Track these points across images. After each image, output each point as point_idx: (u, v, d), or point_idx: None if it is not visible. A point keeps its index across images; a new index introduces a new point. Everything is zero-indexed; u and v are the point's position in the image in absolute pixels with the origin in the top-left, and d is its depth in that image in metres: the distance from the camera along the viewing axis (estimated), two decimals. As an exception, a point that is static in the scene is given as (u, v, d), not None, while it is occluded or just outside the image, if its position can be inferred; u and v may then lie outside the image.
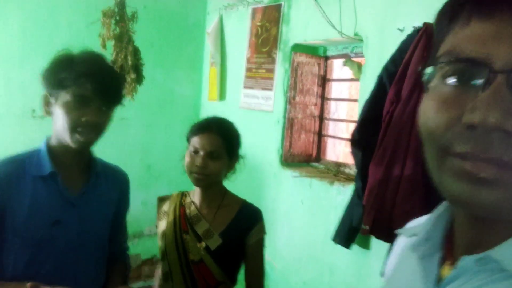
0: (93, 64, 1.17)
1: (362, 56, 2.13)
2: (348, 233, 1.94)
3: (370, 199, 1.69)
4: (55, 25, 2.84)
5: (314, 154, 2.58)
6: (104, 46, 2.02)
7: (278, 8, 2.55)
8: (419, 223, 0.55)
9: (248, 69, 2.80)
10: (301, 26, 2.41)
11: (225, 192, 1.56)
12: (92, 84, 1.13)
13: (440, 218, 0.53)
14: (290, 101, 2.50)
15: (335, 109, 2.71)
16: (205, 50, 3.39)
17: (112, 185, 1.34)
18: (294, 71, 2.48)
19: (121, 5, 2.08)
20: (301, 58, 2.49)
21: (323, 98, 2.57)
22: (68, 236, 1.17)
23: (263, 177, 2.67)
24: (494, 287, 0.43)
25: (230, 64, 3.07)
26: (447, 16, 0.45)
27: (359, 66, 2.22)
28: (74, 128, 1.14)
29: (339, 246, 1.98)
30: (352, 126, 2.18)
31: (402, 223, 0.64)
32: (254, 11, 2.76)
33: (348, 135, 2.25)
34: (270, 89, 2.59)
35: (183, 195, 1.57)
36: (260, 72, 2.69)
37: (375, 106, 1.73)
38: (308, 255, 2.30)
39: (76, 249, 1.19)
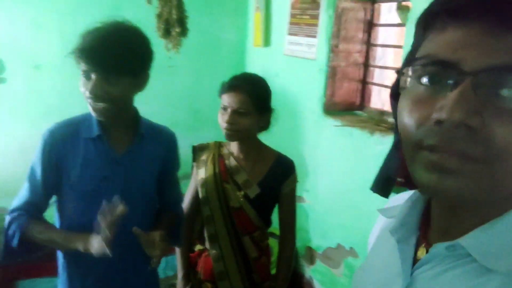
0: (98, 37, 1.20)
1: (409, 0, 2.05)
2: (386, 184, 1.98)
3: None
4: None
5: (357, 102, 2.58)
6: (149, 1, 2.08)
7: (323, -50, 2.45)
8: (398, 203, 0.61)
9: (292, 15, 2.76)
10: (347, -30, 2.33)
11: (260, 145, 1.67)
12: (92, 57, 1.18)
13: (415, 204, 0.59)
14: (333, 49, 2.47)
15: (381, 56, 2.65)
16: (250, -6, 3.35)
17: (158, 144, 1.44)
18: (338, 17, 2.43)
19: (165, -43, 2.10)
20: (346, 3, 2.42)
21: (369, 45, 2.52)
22: (115, 190, 1.31)
23: (304, 124, 2.72)
24: (461, 269, 0.49)
25: (275, 10, 3.04)
26: (423, 25, 0.50)
27: (407, 10, 2.13)
28: (87, 99, 1.25)
29: (376, 195, 2.04)
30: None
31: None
32: (299, -46, 2.67)
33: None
34: (314, 36, 2.56)
35: (220, 145, 1.69)
36: (304, 18, 2.66)
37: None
38: (346, 200, 2.39)
39: (123, 203, 1.33)
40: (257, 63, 3.30)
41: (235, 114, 1.51)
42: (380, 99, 2.72)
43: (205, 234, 1.67)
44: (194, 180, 1.71)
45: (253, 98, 1.51)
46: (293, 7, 2.76)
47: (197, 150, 1.72)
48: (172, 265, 2.62)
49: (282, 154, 1.68)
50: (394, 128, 1.94)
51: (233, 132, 1.53)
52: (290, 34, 2.79)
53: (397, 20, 2.29)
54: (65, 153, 1.30)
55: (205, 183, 1.63)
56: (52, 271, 1.47)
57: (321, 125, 2.57)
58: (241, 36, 3.44)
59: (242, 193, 1.61)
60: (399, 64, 2.39)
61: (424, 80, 0.47)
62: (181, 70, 3.31)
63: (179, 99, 3.37)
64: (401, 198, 0.64)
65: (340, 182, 2.45)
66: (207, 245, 1.68)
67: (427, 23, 0.49)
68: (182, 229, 1.64)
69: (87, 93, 1.22)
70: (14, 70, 2.83)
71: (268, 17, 3.08)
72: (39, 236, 1.31)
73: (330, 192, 2.55)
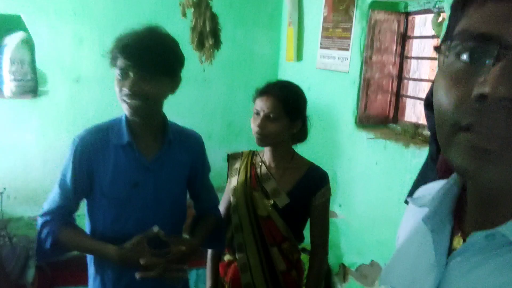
0: (135, 38, 1.25)
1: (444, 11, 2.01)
2: (421, 197, 1.93)
3: (443, 164, 1.66)
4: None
5: (391, 115, 2.53)
6: (184, 14, 2.14)
7: (356, -37, 2.46)
8: (428, 193, 0.58)
9: (325, 29, 2.77)
10: (380, -18, 2.32)
11: (293, 153, 1.65)
12: (129, 57, 1.23)
13: (449, 192, 0.56)
14: (366, 61, 2.45)
15: (416, 68, 2.60)
16: (283, 8, 3.38)
17: (186, 149, 1.46)
18: (372, 29, 2.41)
19: (199, -28, 2.16)
20: (379, 15, 2.40)
21: (403, 57, 2.48)
22: (145, 196, 1.33)
23: (338, 138, 2.69)
24: (502, 259, 0.46)
25: (307, 24, 3.05)
26: (461, 2, 0.47)
27: (441, 22, 2.09)
28: (121, 98, 1.28)
29: (412, 209, 1.98)
30: (431, 87, 2.09)
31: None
32: (332, -33, 2.68)
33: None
34: (347, 49, 2.55)
35: (253, 154, 1.69)
36: (336, 31, 2.65)
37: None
38: (382, 215, 2.32)
39: (154, 208, 1.36)
40: (289, 77, 3.31)
41: (266, 119, 1.52)
42: (414, 113, 2.66)
43: (235, 243, 1.66)
44: (227, 188, 1.71)
45: (283, 103, 1.51)
46: (325, 20, 2.76)
47: (230, 158, 1.73)
48: (203, 278, 2.62)
49: (315, 165, 1.65)
50: (430, 140, 1.90)
51: (263, 137, 1.53)
52: (322, 47, 2.78)
53: (432, 32, 2.25)
54: (96, 160, 1.33)
55: (235, 191, 1.63)
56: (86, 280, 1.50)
57: (354, 138, 2.53)
58: (274, 50, 3.46)
59: (271, 201, 1.59)
60: (433, 77, 2.33)
61: (464, 56, 0.44)
62: (215, 83, 3.37)
63: (213, 111, 3.42)
64: (432, 187, 0.62)
65: (374, 196, 2.40)
66: (236, 255, 1.67)
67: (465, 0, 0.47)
68: (223, 233, 1.63)
69: (125, 90, 1.25)
70: (56, 83, 2.95)
71: (300, 31, 3.10)
72: (73, 243, 1.34)
73: (364, 207, 2.49)
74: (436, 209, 0.55)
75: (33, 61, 2.87)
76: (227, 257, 1.73)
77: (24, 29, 2.83)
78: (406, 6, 2.41)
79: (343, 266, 2.71)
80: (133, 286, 1.38)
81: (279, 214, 1.58)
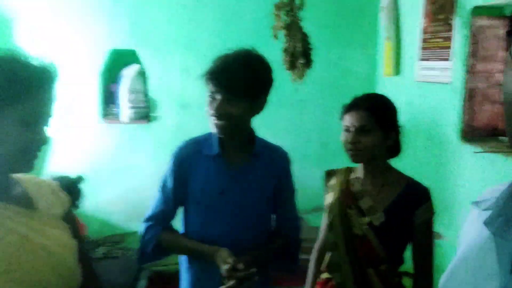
0: (223, 62, 1.35)
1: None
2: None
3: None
4: (241, 22, 3.20)
5: (500, 127, 2.31)
6: (275, 36, 2.23)
7: (454, -31, 2.34)
8: (492, 196, 0.53)
9: (424, 40, 2.65)
10: (482, -14, 2.17)
11: (389, 168, 1.57)
12: (216, 80, 1.33)
13: None
14: (470, 70, 2.28)
15: (530, 75, 2.36)
16: (379, 25, 3.32)
17: (272, 163, 1.51)
18: (474, 36, 2.25)
19: (291, -4, 2.25)
20: (483, 21, 2.24)
21: None
22: (231, 204, 1.41)
23: (441, 153, 2.52)
24: None
25: (405, 37, 2.95)
26: None
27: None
28: (211, 118, 1.37)
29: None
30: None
31: None
32: (429, -23, 2.59)
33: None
34: (447, 59, 2.41)
35: (350, 170, 1.64)
36: (436, 42, 2.53)
37: None
38: (494, 237, 2.11)
39: (238, 216, 1.43)
40: (388, 93, 3.19)
41: (358, 133, 1.48)
42: (532, 124, 2.40)
43: (331, 262, 1.62)
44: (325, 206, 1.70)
45: (374, 114, 1.47)
46: (424, 31, 2.65)
47: (327, 175, 1.72)
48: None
49: (415, 180, 1.55)
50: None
51: (358, 152, 1.49)
52: (422, 59, 2.67)
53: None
54: (190, 169, 1.45)
55: (330, 209, 1.61)
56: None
57: (459, 153, 2.36)
58: (370, 67, 3.40)
59: (366, 219, 1.53)
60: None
61: None
62: (310, 103, 3.40)
63: (309, 132, 3.44)
64: (498, 189, 0.57)
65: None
66: (332, 274, 1.63)
67: None
68: (297, 254, 1.63)
69: (211, 111, 1.35)
70: (166, 109, 3.25)
71: (398, 45, 3.01)
72: (174, 245, 1.46)
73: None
74: (500, 211, 0.51)
75: (146, 90, 3.21)
76: (325, 275, 1.68)
77: (139, 62, 3.19)
78: (514, 8, 2.22)
79: (451, 293, 2.49)
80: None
81: (375, 233, 1.51)
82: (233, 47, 1.43)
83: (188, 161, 1.47)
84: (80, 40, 3.12)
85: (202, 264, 1.45)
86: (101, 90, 3.28)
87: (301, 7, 2.25)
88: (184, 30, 3.19)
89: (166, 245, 1.48)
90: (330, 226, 1.60)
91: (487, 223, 0.51)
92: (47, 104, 0.99)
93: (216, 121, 1.38)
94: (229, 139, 1.45)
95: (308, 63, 2.25)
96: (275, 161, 1.54)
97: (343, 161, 3.31)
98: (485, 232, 0.51)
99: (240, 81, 1.33)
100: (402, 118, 2.83)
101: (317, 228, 3.42)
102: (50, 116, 1.01)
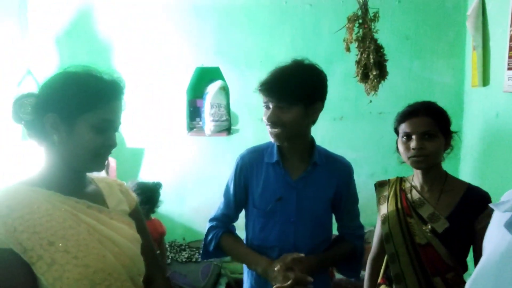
0: (276, 73, 1.41)
1: None
2: None
3: None
4: (318, 37, 3.26)
5: None
6: (348, 49, 2.24)
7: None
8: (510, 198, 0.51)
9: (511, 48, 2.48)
10: None
11: (446, 175, 1.54)
12: (267, 90, 1.39)
13: None
14: None
15: None
16: (466, 34, 3.16)
17: (332, 172, 1.54)
18: None
19: (364, 8, 2.25)
20: None
21: None
22: (288, 210, 1.46)
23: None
24: None
25: (493, 46, 2.78)
26: None
27: None
28: (267, 125, 1.43)
29: None
30: None
31: None
32: (518, -19, 2.43)
33: None
34: (539, 67, 2.23)
35: (401, 180, 1.63)
36: (527, 49, 2.35)
37: None
38: None
39: (295, 222, 1.47)
40: (475, 104, 3.04)
41: (422, 138, 1.47)
42: None
43: (391, 274, 1.60)
44: (378, 218, 1.69)
45: (436, 120, 1.47)
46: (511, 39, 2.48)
47: (378, 186, 1.71)
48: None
49: (474, 185, 1.51)
50: None
51: (423, 158, 1.48)
52: (510, 68, 2.49)
53: None
54: (251, 175, 1.53)
55: (386, 219, 1.60)
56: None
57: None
58: (457, 78, 3.24)
59: (429, 227, 1.50)
60: None
61: None
62: (391, 116, 3.29)
63: (389, 145, 3.33)
64: None
65: None
66: (394, 286, 1.61)
67: None
68: (359, 263, 1.63)
69: (265, 121, 1.43)
70: (245, 122, 3.40)
71: (486, 54, 2.84)
72: (231, 251, 1.55)
73: None
74: None
75: (228, 104, 3.39)
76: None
77: (222, 78, 3.38)
78: None
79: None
80: None
81: (440, 241, 1.48)
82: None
83: (249, 168, 1.55)
84: (170, 60, 3.41)
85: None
86: (188, 105, 3.53)
87: (375, 19, 2.24)
88: (263, 46, 3.32)
89: (225, 249, 1.58)
90: (388, 237, 1.57)
91: (507, 226, 0.50)
92: (116, 113, 1.12)
93: (270, 129, 1.44)
94: (285, 146, 1.50)
95: (382, 74, 2.22)
96: (336, 171, 1.56)
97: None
98: (506, 235, 0.51)
99: (288, 88, 1.39)
100: (490, 130, 2.67)
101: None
102: (119, 123, 1.15)
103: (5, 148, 2.98)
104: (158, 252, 2.74)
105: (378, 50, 2.24)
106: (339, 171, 1.57)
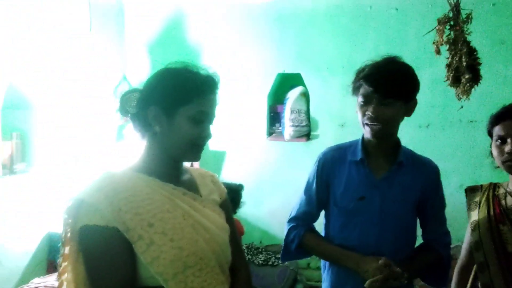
0: (376, 68, 1.40)
1: None
2: None
3: None
4: (403, 41, 3.17)
5: None
6: (438, 52, 2.15)
7: None
8: None
9: None
10: None
11: None
12: (373, 82, 1.36)
13: None
14: None
15: None
16: None
17: (417, 174, 1.48)
18: None
19: (456, 10, 2.16)
20: None
21: None
22: (370, 211, 1.41)
23: None
24: None
25: None
26: None
27: None
28: (363, 122, 1.41)
29: None
30: None
31: None
32: None
33: None
34: None
35: (495, 186, 1.53)
36: None
37: None
38: None
39: (378, 224, 1.42)
40: None
41: None
42: None
43: (479, 284, 1.51)
44: (468, 225, 1.60)
45: None
46: None
47: (468, 192, 1.62)
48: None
49: None
50: None
51: None
52: None
53: None
54: (334, 173, 1.52)
55: (477, 226, 1.51)
56: None
57: None
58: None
59: None
60: None
61: None
62: (483, 125, 3.09)
63: (480, 155, 3.14)
64: None
65: None
66: (483, 296, 1.51)
67: None
68: (446, 272, 1.54)
69: (368, 114, 1.40)
70: (325, 128, 3.39)
71: None
72: (315, 248, 1.54)
73: None
74: None
75: (308, 110, 3.41)
76: (470, 297, 1.58)
77: (303, 84, 3.41)
78: None
79: None
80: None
81: None
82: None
83: (332, 165, 1.54)
84: (252, 66, 3.50)
85: (343, 272, 1.49)
86: (268, 110, 3.59)
87: (468, 20, 2.13)
88: (345, 52, 3.30)
89: (308, 247, 1.56)
90: (478, 245, 1.48)
91: None
92: (212, 106, 1.19)
93: (371, 124, 1.41)
94: (371, 144, 1.47)
95: (475, 78, 2.10)
96: (422, 173, 1.50)
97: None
98: None
99: (396, 83, 1.37)
100: None
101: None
102: (214, 116, 1.21)
103: (101, 148, 3.24)
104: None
105: (471, 53, 2.12)
106: (425, 173, 1.51)
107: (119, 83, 3.51)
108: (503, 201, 1.49)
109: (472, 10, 2.15)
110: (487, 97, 2.91)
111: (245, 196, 3.36)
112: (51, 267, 2.75)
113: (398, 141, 1.52)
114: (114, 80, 3.49)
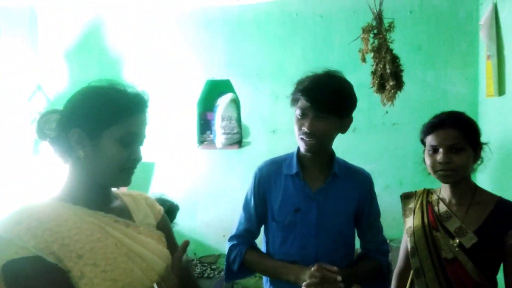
0: (315, 82, 1.37)
1: None
2: None
3: None
4: (330, 47, 3.24)
5: None
6: (363, 59, 2.21)
7: None
8: None
9: (530, 56, 2.44)
10: None
11: (475, 188, 1.49)
12: (310, 97, 1.34)
13: None
14: None
15: None
16: (479, 43, 3.13)
17: (352, 184, 1.50)
18: None
19: (379, 18, 2.23)
20: None
21: None
22: (307, 223, 1.41)
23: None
24: None
25: (508, 55, 2.74)
26: None
27: None
28: (299, 136, 1.39)
29: None
30: None
31: None
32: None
33: None
34: (560, 76, 2.19)
35: (428, 192, 1.58)
36: (545, 58, 2.31)
37: None
38: None
39: (315, 236, 1.42)
40: (491, 114, 2.98)
41: (449, 152, 1.42)
42: None
43: (415, 289, 1.55)
44: (404, 231, 1.64)
45: (464, 131, 1.42)
46: (530, 47, 2.44)
47: (403, 198, 1.67)
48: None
49: (504, 199, 1.46)
50: None
51: (450, 172, 1.43)
52: (528, 76, 2.45)
53: None
54: (270, 188, 1.49)
55: (412, 233, 1.55)
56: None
57: None
58: (471, 88, 3.19)
59: (456, 241, 1.44)
60: None
61: None
62: (405, 127, 3.28)
63: (404, 156, 3.30)
64: None
65: None
66: (420, 302, 1.55)
67: None
68: (386, 279, 1.57)
69: (304, 129, 1.38)
70: (257, 134, 3.37)
71: (501, 63, 2.80)
72: (258, 266, 1.50)
73: None
74: None
75: (239, 117, 3.36)
76: (408, 303, 1.63)
77: (232, 90, 3.36)
78: None
79: None
80: None
81: (468, 256, 1.42)
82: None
83: (268, 180, 1.51)
84: (180, 73, 3.40)
85: (284, 285, 1.46)
86: (199, 117, 3.50)
87: (390, 29, 2.21)
88: (274, 58, 3.31)
89: (251, 265, 1.51)
90: (413, 251, 1.53)
91: None
92: (141, 126, 1.10)
93: (306, 139, 1.40)
94: (306, 158, 1.46)
95: (398, 84, 2.19)
96: (357, 183, 1.52)
97: (439, 185, 3.13)
98: None
99: (333, 98, 1.36)
100: (508, 140, 2.62)
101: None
102: (144, 137, 1.13)
103: (17, 163, 2.96)
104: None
105: (394, 60, 2.21)
106: (360, 183, 1.53)
107: (33, 93, 3.23)
108: (436, 208, 1.53)
109: (393, 18, 2.23)
110: (407, 101, 3.04)
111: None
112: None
113: (332, 153, 1.52)
114: (28, 89, 3.20)
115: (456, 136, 1.41)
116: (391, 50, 2.24)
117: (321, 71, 1.44)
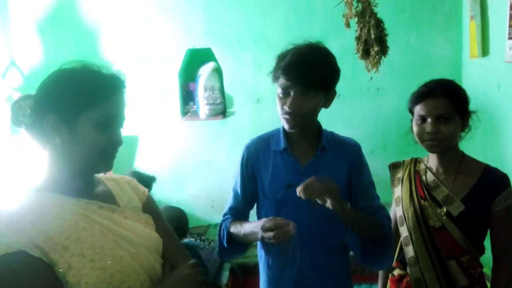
0: (295, 55, 1.31)
1: None
2: None
3: None
4: (312, 13, 3.16)
5: None
6: (348, 25, 2.16)
7: None
8: None
9: (513, 16, 2.42)
10: None
11: (463, 156, 1.49)
12: (291, 74, 1.29)
13: None
14: None
15: None
16: (463, 4, 3.09)
17: (341, 156, 1.47)
18: None
19: (362, -19, 2.16)
20: None
21: None
22: (300, 198, 1.38)
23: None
24: None
25: (492, 15, 2.71)
26: None
27: None
28: (282, 115, 1.36)
29: None
30: None
31: None
32: None
33: None
34: (543, 36, 2.18)
35: (416, 161, 1.59)
36: (529, 18, 2.29)
37: None
38: None
39: (308, 210, 1.39)
40: (475, 76, 2.98)
41: (438, 122, 1.41)
42: None
43: (405, 257, 1.57)
44: (393, 200, 1.65)
45: (452, 100, 1.40)
46: (513, 7, 2.41)
47: (391, 168, 1.67)
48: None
49: (491, 166, 1.47)
50: None
51: (438, 142, 1.43)
52: (510, 38, 2.43)
53: None
54: (259, 165, 1.47)
55: (400, 202, 1.56)
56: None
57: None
58: (455, 50, 3.18)
59: (444, 210, 1.46)
60: None
61: None
62: (389, 91, 3.27)
63: (388, 121, 3.31)
64: None
65: None
66: (408, 269, 1.58)
67: None
68: (386, 240, 1.50)
69: (286, 108, 1.34)
70: (241, 104, 3.32)
71: (485, 24, 2.77)
72: (235, 231, 1.45)
73: None
74: None
75: (222, 86, 3.30)
76: (397, 272, 1.65)
77: (214, 59, 3.28)
78: None
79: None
80: (295, 283, 1.45)
81: (455, 224, 1.44)
82: (302, 39, 1.42)
83: (256, 157, 1.49)
84: (159, 43, 3.29)
85: (278, 261, 1.47)
86: (181, 88, 3.43)
87: (374, -8, 2.15)
88: (256, 26, 3.22)
89: (234, 236, 1.47)
90: (402, 220, 1.54)
91: None
92: (119, 108, 1.06)
93: (288, 117, 1.36)
94: (293, 133, 1.43)
95: (383, 50, 2.15)
96: (345, 154, 1.49)
97: (423, 150, 3.16)
98: None
99: (315, 73, 1.31)
100: (492, 102, 2.63)
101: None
102: (123, 119, 1.08)
103: (-6, 142, 2.88)
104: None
105: (379, 25, 2.16)
106: (349, 154, 1.51)
107: (6, 68, 3.10)
108: (423, 177, 1.54)
109: (377, -19, 2.17)
110: (391, 65, 3.01)
111: (164, 181, 3.23)
112: None
113: (319, 126, 1.50)
114: (1, 65, 3.08)
115: (445, 105, 1.40)
116: (375, 14, 2.19)
117: (303, 43, 1.38)
